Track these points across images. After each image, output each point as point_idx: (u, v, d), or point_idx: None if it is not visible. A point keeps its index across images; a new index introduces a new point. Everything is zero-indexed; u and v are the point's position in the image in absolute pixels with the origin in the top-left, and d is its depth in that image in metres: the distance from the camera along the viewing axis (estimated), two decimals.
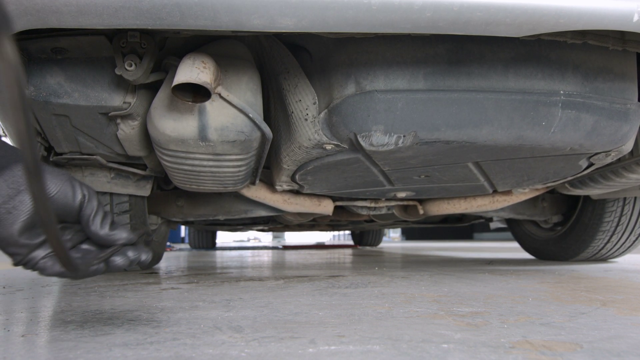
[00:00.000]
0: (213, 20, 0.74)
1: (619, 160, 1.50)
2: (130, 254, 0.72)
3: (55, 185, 0.64)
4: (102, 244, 0.71)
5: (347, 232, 10.90)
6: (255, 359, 0.62)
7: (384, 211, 2.24)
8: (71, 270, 0.56)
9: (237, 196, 2.05)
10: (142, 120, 1.15)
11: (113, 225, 0.71)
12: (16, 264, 0.66)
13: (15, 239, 0.62)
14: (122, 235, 0.70)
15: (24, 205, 0.61)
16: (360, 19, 0.73)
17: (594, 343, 0.68)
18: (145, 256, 0.73)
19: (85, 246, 0.73)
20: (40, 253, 0.66)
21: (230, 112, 1.04)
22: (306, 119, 1.09)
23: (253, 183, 1.56)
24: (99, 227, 0.68)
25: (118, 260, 0.71)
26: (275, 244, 8.98)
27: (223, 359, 0.62)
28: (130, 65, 0.93)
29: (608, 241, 2.23)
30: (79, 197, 0.66)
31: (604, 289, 1.29)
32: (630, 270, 1.91)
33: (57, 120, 1.12)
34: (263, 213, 2.09)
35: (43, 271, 0.67)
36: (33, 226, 0.64)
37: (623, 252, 2.35)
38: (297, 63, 1.07)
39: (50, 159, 1.44)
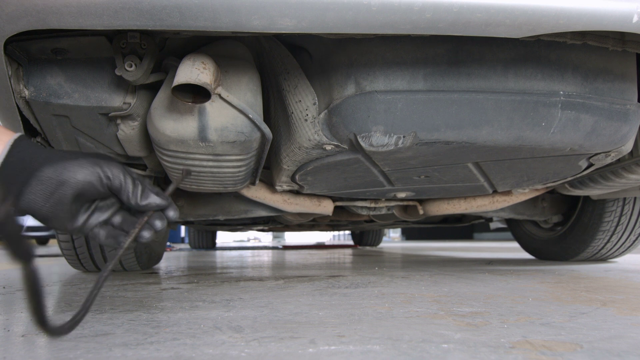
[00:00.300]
0: (213, 21, 0.74)
1: (619, 160, 1.50)
2: (158, 223, 0.78)
3: (77, 179, 0.70)
4: (138, 211, 0.79)
5: (347, 232, 10.90)
6: (255, 359, 0.62)
7: (383, 211, 2.24)
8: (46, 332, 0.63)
9: (237, 196, 2.05)
10: (142, 121, 1.15)
11: (145, 194, 0.76)
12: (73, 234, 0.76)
13: (65, 225, 0.72)
14: (153, 203, 0.77)
15: (63, 200, 0.69)
16: (360, 20, 0.73)
17: (594, 343, 0.68)
18: (173, 213, 0.80)
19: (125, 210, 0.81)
20: (93, 222, 0.76)
21: (230, 113, 1.04)
22: (306, 120, 1.09)
23: (253, 183, 1.56)
24: (130, 199, 0.75)
25: (145, 234, 0.78)
26: (275, 244, 8.98)
27: (223, 359, 0.62)
28: (130, 66, 0.93)
29: (608, 241, 2.23)
30: (104, 180, 0.72)
31: (604, 289, 1.29)
32: (630, 270, 1.91)
33: (57, 120, 1.12)
34: (263, 213, 2.09)
35: (94, 239, 0.77)
36: (77, 213, 0.74)
37: (623, 252, 2.35)
38: (297, 64, 1.07)
39: None
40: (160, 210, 0.79)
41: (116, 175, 0.73)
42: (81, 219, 0.76)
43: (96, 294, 0.72)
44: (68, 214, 0.71)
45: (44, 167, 0.68)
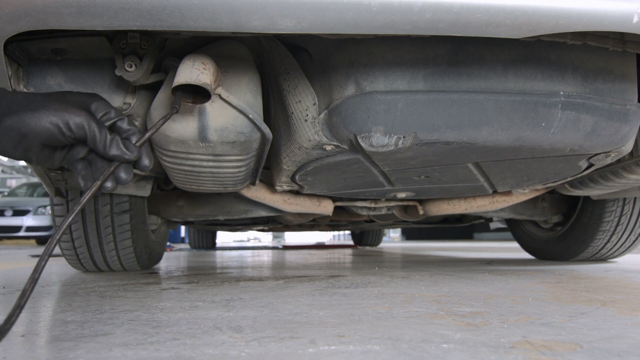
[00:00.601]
0: (213, 22, 0.74)
1: (619, 161, 1.50)
2: (122, 176, 0.76)
3: (37, 133, 0.69)
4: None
5: (347, 232, 10.91)
6: (255, 359, 0.62)
7: (383, 211, 2.24)
8: None
9: (237, 196, 2.05)
10: (142, 121, 1.15)
11: (112, 145, 0.74)
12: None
13: (44, 164, 0.74)
14: (120, 156, 0.74)
15: (30, 149, 0.70)
16: (360, 21, 0.73)
17: (594, 343, 0.68)
18: (144, 163, 0.77)
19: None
20: (71, 157, 0.76)
21: (230, 113, 1.04)
22: (306, 120, 1.09)
23: (253, 183, 1.56)
24: (98, 149, 0.73)
25: (108, 185, 0.76)
26: (275, 244, 8.98)
27: (223, 359, 0.62)
28: (130, 66, 0.93)
29: (608, 241, 2.23)
30: (66, 133, 0.71)
31: (604, 289, 1.29)
32: (630, 270, 1.91)
33: None
34: (263, 213, 2.09)
35: (77, 173, 0.76)
36: (53, 153, 0.73)
37: (623, 252, 2.35)
38: (297, 64, 1.07)
39: None
40: (130, 161, 0.76)
41: (79, 125, 0.71)
42: (58, 157, 0.75)
43: (37, 278, 0.65)
44: (42, 157, 0.72)
45: (4, 118, 0.68)
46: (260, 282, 1.54)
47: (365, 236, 6.00)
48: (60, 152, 0.75)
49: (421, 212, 2.14)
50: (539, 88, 1.03)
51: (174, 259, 3.35)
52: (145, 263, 2.13)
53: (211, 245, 5.63)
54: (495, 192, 1.75)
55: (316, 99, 1.08)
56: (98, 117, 0.76)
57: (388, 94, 1.00)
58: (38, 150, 0.71)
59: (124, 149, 0.74)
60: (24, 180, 15.84)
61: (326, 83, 1.05)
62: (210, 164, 1.19)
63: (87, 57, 1.01)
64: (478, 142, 1.07)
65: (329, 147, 1.15)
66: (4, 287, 1.52)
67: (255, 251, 4.85)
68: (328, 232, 13.27)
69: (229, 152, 1.13)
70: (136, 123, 1.15)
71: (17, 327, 0.86)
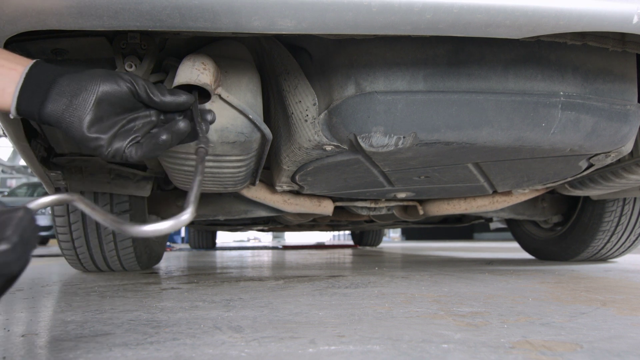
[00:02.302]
0: (213, 22, 0.74)
1: (619, 161, 1.50)
2: (204, 123, 0.81)
3: (106, 85, 0.74)
4: (164, 110, 0.81)
5: (347, 232, 10.91)
6: (255, 359, 0.62)
7: (383, 211, 2.24)
8: None
9: (237, 196, 2.05)
10: None
11: (167, 92, 0.79)
12: (107, 158, 0.77)
13: (87, 135, 0.73)
14: (178, 99, 0.80)
15: (84, 105, 0.72)
16: (360, 21, 0.73)
17: (594, 343, 0.68)
18: (210, 116, 0.84)
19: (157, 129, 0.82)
20: (122, 144, 0.77)
21: (230, 114, 1.04)
22: (306, 120, 1.10)
23: (253, 183, 1.56)
24: (154, 96, 0.78)
25: (182, 125, 0.79)
26: (275, 244, 8.98)
27: (223, 359, 0.62)
28: (130, 67, 0.93)
29: (608, 241, 2.23)
30: (123, 82, 0.76)
31: (604, 289, 1.29)
32: (630, 270, 1.91)
33: None
34: (263, 213, 2.09)
35: (132, 157, 0.78)
36: (99, 120, 0.74)
37: (623, 252, 2.35)
38: (297, 64, 1.07)
39: (51, 160, 1.45)
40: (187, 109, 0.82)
41: (135, 78, 0.77)
42: (108, 130, 0.76)
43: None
44: (90, 120, 0.73)
45: (61, 78, 0.72)
46: (260, 282, 1.54)
47: (365, 236, 6.00)
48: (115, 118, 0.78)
49: (421, 212, 2.14)
50: (539, 88, 1.03)
51: (174, 259, 3.35)
52: (145, 263, 2.13)
53: (211, 245, 5.63)
54: (495, 192, 1.75)
55: (316, 99, 1.08)
56: None
57: (388, 94, 1.00)
58: (92, 105, 0.73)
59: (182, 95, 0.80)
60: (24, 180, 15.82)
61: (326, 83, 1.05)
62: (211, 164, 1.19)
63: (87, 57, 1.01)
64: (478, 143, 1.07)
65: (329, 148, 1.15)
66: None
67: (255, 251, 4.85)
68: (328, 232, 13.28)
69: (229, 152, 1.13)
70: None
71: (17, 327, 0.86)
